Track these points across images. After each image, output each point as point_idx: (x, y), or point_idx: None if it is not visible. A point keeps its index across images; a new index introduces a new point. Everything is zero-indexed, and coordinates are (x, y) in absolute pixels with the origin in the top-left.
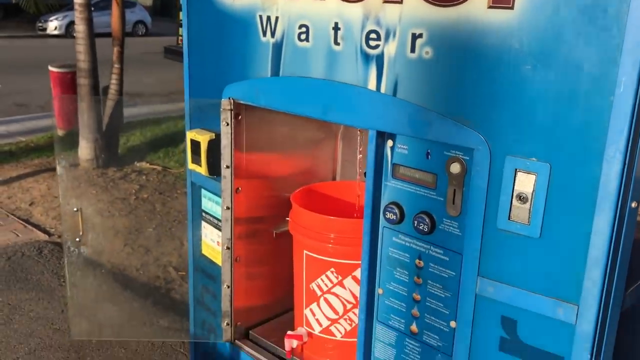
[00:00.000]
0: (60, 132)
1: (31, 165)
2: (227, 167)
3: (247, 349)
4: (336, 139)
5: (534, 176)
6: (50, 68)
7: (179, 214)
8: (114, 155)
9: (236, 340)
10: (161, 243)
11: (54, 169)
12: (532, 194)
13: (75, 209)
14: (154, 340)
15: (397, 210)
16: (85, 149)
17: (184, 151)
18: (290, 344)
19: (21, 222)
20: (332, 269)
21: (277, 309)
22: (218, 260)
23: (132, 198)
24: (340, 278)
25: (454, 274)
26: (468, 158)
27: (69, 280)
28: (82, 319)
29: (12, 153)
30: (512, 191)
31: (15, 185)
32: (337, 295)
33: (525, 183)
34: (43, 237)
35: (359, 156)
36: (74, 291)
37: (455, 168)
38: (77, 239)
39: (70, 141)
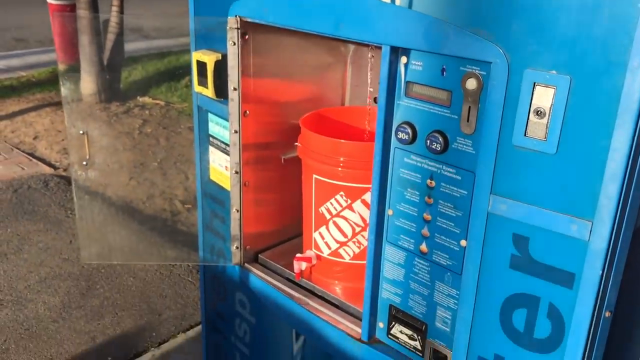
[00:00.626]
0: (61, 66)
1: (33, 99)
2: (235, 89)
3: (256, 271)
4: (345, 64)
5: (553, 90)
6: (49, 0)
7: (183, 149)
8: (116, 89)
9: (245, 264)
10: (166, 177)
11: (56, 104)
12: (550, 108)
13: (81, 132)
14: (164, 264)
15: (409, 130)
16: (87, 83)
17: (187, 86)
18: (299, 266)
19: (26, 155)
20: (342, 193)
21: (285, 234)
22: (226, 185)
23: (136, 133)
24: (349, 201)
25: (466, 193)
26: (485, 73)
27: (77, 204)
28: (92, 242)
29: (14, 88)
30: (530, 106)
31: (19, 119)
32: (346, 219)
33: (543, 97)
34: (48, 170)
35: (370, 79)
36: (82, 215)
37: (471, 84)
38: (84, 163)
39: (72, 76)
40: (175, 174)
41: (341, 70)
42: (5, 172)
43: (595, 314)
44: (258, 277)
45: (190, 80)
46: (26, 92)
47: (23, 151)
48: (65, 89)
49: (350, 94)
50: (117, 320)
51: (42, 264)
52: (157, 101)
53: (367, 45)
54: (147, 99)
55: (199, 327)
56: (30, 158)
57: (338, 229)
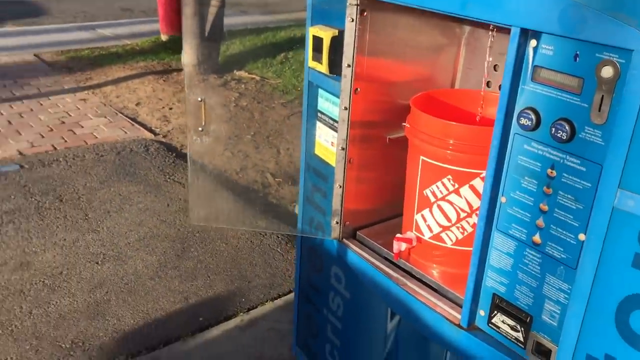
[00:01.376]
0: (163, 37)
1: (137, 67)
2: (349, 66)
3: (354, 247)
4: (459, 46)
5: None
6: None
7: (276, 124)
8: (214, 62)
9: (344, 239)
10: (259, 150)
11: (158, 72)
12: None
13: (199, 99)
14: (255, 234)
15: (533, 116)
16: (189, 55)
17: (282, 63)
18: (398, 246)
19: (129, 120)
20: (449, 176)
21: (384, 214)
22: (331, 161)
23: (232, 105)
24: (456, 186)
25: (590, 185)
26: (623, 61)
27: (191, 168)
28: (200, 205)
29: (119, 55)
30: None
31: (123, 85)
32: (451, 203)
33: None
34: (149, 135)
35: (487, 62)
36: (194, 178)
37: (607, 72)
38: (200, 129)
39: (173, 46)
40: (268, 147)
41: (454, 52)
42: (110, 134)
43: None
44: (356, 253)
45: (305, 56)
46: (130, 59)
47: (126, 116)
48: (186, 57)
49: (462, 76)
50: (209, 283)
51: (141, 223)
52: (253, 76)
53: (486, 27)
54: (243, 73)
55: (287, 297)
56: (133, 123)
57: (442, 213)
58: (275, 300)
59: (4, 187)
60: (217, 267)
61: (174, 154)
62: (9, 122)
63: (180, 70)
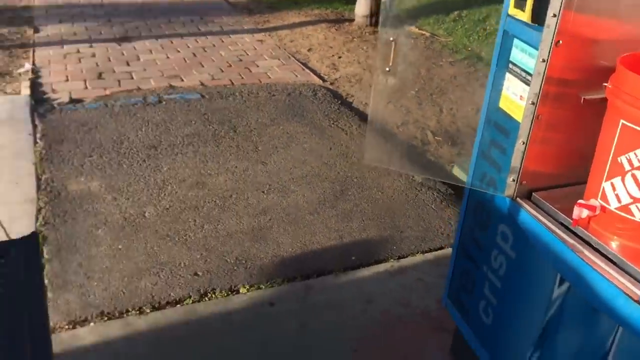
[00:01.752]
0: None
1: (311, 14)
2: (554, 15)
3: (527, 207)
4: None
5: None
6: None
7: (442, 82)
8: None
9: (517, 198)
10: (421, 107)
11: (330, 21)
12: None
13: (390, 39)
14: (412, 188)
15: None
16: (362, 6)
17: (454, 20)
18: (579, 212)
19: (300, 64)
20: None
21: (563, 179)
22: (516, 116)
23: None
24: None
25: None
26: None
27: (372, 109)
28: (375, 147)
29: (296, 1)
30: None
31: (297, 31)
32: None
33: None
34: (317, 81)
35: None
36: (373, 119)
37: None
38: (387, 69)
39: None
40: (430, 105)
41: None
42: (282, 76)
43: None
44: (529, 214)
45: (505, 3)
46: (306, 7)
47: (298, 60)
48: None
49: None
50: (363, 227)
51: (304, 162)
52: (423, 32)
53: None
54: (413, 29)
55: (438, 253)
56: (304, 67)
57: (636, 183)
58: (426, 254)
59: (186, 112)
60: (372, 213)
61: (339, 102)
62: (194, 55)
63: (352, 20)
